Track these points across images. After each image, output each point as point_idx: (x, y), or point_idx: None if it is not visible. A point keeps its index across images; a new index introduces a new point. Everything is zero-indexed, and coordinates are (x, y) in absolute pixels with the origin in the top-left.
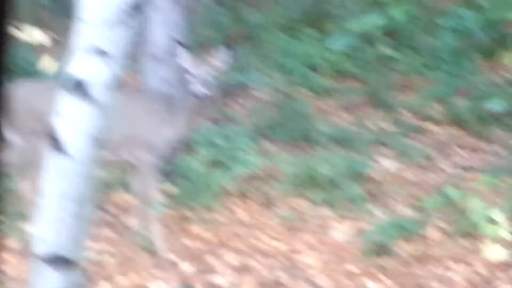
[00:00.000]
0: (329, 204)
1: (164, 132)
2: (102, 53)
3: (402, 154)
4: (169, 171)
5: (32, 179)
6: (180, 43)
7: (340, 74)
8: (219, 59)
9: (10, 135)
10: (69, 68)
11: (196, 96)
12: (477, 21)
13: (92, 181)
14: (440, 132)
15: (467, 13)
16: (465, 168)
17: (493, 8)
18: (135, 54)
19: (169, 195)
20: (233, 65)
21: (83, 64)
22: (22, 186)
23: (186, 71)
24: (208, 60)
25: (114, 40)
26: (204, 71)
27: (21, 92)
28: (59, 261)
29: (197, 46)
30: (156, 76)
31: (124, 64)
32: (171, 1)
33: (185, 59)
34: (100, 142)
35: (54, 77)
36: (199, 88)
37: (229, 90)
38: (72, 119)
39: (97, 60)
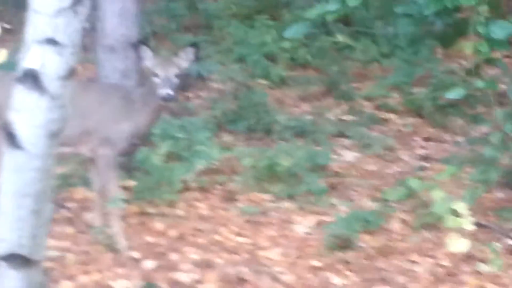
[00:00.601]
0: (291, 197)
1: (123, 126)
2: (53, 42)
3: (363, 145)
4: (129, 165)
5: None
6: (143, 43)
7: (297, 63)
8: (185, 59)
9: None
10: (21, 59)
11: (163, 98)
12: (432, 7)
13: (50, 176)
14: (400, 122)
15: None
16: (426, 159)
17: None
18: (89, 45)
19: (129, 190)
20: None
21: (35, 54)
22: None
23: (152, 73)
24: (174, 61)
25: (65, 29)
26: (170, 72)
27: None
28: (19, 260)
29: (152, 36)
30: (111, 67)
31: (77, 54)
32: None
33: (150, 59)
34: (55, 135)
35: (3, 67)
36: (166, 91)
37: (188, 82)
38: (26, 112)
39: (49, 50)
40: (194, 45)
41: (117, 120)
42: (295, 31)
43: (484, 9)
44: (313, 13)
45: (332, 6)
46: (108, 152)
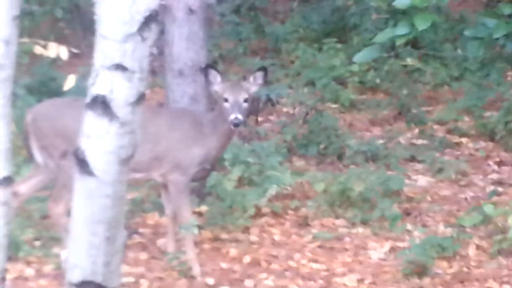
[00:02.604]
0: (364, 222)
1: (194, 151)
2: (122, 68)
3: (435, 170)
4: (201, 191)
5: (66, 202)
6: (211, 67)
7: (367, 87)
8: (254, 83)
9: (42, 158)
10: (90, 85)
11: (232, 123)
12: (502, 30)
13: (122, 202)
14: (472, 146)
15: (491, 21)
16: (500, 183)
17: None
18: (158, 69)
19: (202, 216)
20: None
21: (103, 80)
22: (56, 210)
23: (221, 98)
24: (243, 85)
25: (133, 54)
26: (240, 96)
27: (47, 111)
28: None
29: (220, 60)
30: (180, 92)
31: (146, 80)
32: (188, 11)
33: (218, 83)
34: (126, 161)
35: (74, 92)
36: (235, 115)
37: (257, 106)
38: (96, 138)
39: (117, 76)
40: (262, 69)
41: (188, 145)
42: (365, 55)
43: None
44: (382, 37)
45: (401, 30)
46: (179, 178)
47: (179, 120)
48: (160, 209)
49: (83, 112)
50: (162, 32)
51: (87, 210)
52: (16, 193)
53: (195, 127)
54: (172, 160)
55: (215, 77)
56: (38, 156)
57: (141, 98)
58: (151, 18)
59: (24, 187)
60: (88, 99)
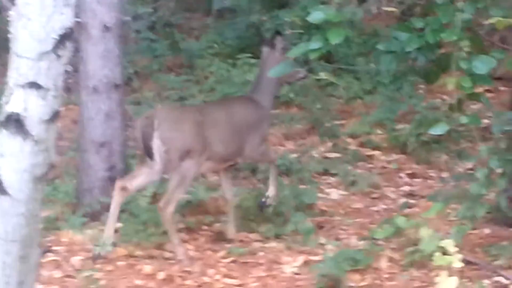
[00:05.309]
0: (278, 237)
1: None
2: (36, 86)
3: (348, 183)
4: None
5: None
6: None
7: (280, 101)
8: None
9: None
10: (4, 104)
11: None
12: (414, 43)
13: (36, 221)
14: (384, 158)
15: (403, 35)
16: (412, 195)
17: (428, 29)
18: (73, 87)
19: (117, 233)
20: None
21: (18, 98)
22: (168, 210)
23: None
24: None
25: (48, 72)
26: None
27: None
28: None
29: (135, 76)
30: (95, 109)
31: (60, 97)
32: (103, 29)
33: None
34: (40, 180)
35: None
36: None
37: None
38: (10, 157)
39: (32, 94)
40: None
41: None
42: (278, 70)
43: (465, 44)
44: (296, 51)
45: (315, 44)
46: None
47: None
48: (74, 227)
49: None
50: (77, 50)
51: (0, 229)
52: (125, 188)
53: None
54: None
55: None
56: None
57: (55, 116)
58: (66, 36)
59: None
60: (1, 118)
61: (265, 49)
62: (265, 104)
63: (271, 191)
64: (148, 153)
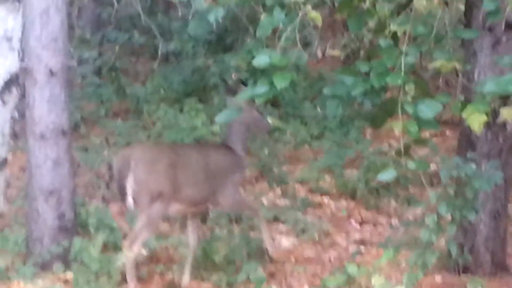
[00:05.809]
0: (230, 286)
1: None
2: None
3: (298, 230)
4: (67, 257)
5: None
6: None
7: None
8: None
9: None
10: None
11: None
12: (360, 88)
13: None
14: (334, 205)
15: (348, 79)
16: (362, 243)
17: (373, 73)
18: (20, 133)
19: (68, 283)
20: None
21: None
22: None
23: None
24: None
25: None
26: None
27: None
28: None
29: (81, 122)
30: (43, 155)
31: (7, 144)
32: (49, 74)
33: None
34: None
35: None
36: None
37: None
38: None
39: None
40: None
41: None
42: (226, 116)
43: (411, 88)
44: (242, 96)
45: (261, 89)
46: None
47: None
48: (25, 277)
49: None
50: (23, 95)
51: None
52: None
53: None
54: None
55: None
56: None
57: (3, 164)
58: (12, 82)
59: None
60: None
61: (228, 98)
62: (240, 153)
63: (267, 243)
64: (121, 192)
